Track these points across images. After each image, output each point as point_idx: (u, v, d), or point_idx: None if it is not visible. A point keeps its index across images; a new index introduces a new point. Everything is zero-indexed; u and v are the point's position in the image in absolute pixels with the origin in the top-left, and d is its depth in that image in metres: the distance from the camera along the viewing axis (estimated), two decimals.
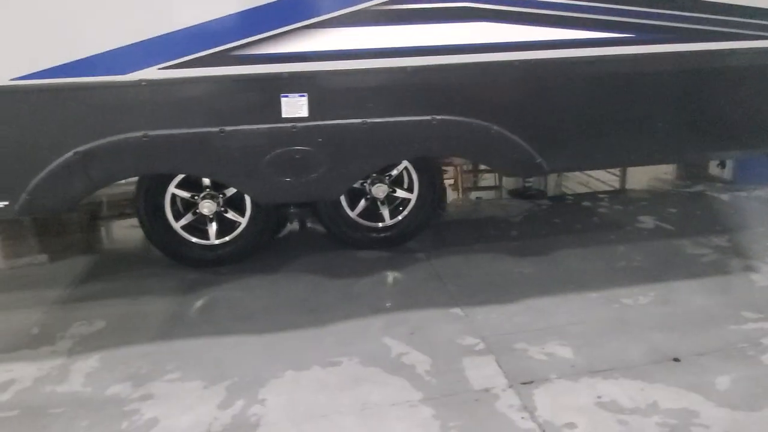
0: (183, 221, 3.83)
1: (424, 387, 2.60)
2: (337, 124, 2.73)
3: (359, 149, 2.79)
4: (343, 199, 3.98)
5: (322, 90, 2.71)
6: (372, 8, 2.55)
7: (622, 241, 4.14)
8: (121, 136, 2.61)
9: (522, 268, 3.78)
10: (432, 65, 2.67)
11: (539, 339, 2.93)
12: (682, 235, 4.21)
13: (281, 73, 2.61)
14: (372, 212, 4.11)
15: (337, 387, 2.62)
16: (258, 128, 2.68)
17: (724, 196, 5.05)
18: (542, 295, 3.40)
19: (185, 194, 3.74)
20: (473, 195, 6.35)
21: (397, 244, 4.17)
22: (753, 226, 4.33)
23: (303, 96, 2.66)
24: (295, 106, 2.66)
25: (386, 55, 2.63)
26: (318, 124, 2.72)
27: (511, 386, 2.57)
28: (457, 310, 3.26)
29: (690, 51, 2.75)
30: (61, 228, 4.76)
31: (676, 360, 2.71)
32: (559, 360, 2.75)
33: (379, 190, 3.99)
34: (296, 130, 2.70)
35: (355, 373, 2.72)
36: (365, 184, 3.99)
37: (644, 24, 2.68)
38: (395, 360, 2.82)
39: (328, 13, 2.52)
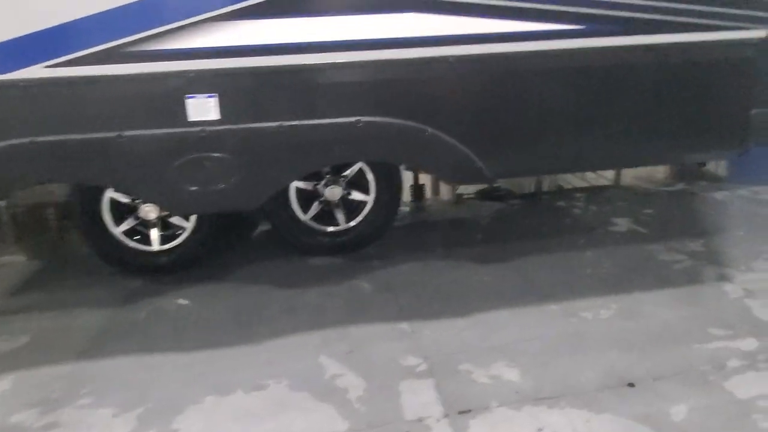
0: (123, 226, 3.60)
1: (353, 415, 2.38)
2: (251, 127, 2.47)
3: (277, 155, 2.53)
4: (294, 201, 3.76)
5: (234, 90, 2.45)
6: None
7: (592, 245, 3.91)
8: (5, 143, 2.36)
9: (482, 276, 3.55)
10: (356, 62, 2.41)
11: (487, 359, 2.71)
12: (656, 239, 3.97)
13: (185, 71, 2.35)
14: (328, 215, 3.89)
15: (259, 415, 2.41)
16: (161, 133, 2.42)
17: (706, 195, 4.81)
18: (498, 307, 3.18)
19: (125, 198, 3.51)
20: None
21: (355, 250, 3.95)
22: (732, 229, 4.09)
23: (212, 97, 2.40)
24: (203, 108, 2.41)
25: (303, 51, 2.37)
26: (230, 128, 2.46)
27: (446, 416, 2.35)
28: (404, 325, 3.03)
29: (646, 44, 2.48)
30: (17, 230, 4.55)
31: (631, 385, 2.48)
32: (503, 384, 2.52)
33: (333, 193, 3.76)
34: (206, 135, 2.45)
35: (281, 398, 2.50)
36: (318, 186, 3.77)
37: (595, 15, 2.41)
38: (328, 383, 2.60)
39: (237, 3, 2.26)
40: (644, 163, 3.76)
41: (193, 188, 2.51)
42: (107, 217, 3.54)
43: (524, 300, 3.24)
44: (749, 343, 2.75)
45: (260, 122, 2.46)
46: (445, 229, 4.33)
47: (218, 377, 2.66)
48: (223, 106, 2.42)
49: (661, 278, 3.42)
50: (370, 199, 3.84)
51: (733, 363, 2.60)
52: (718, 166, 5.42)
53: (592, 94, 2.60)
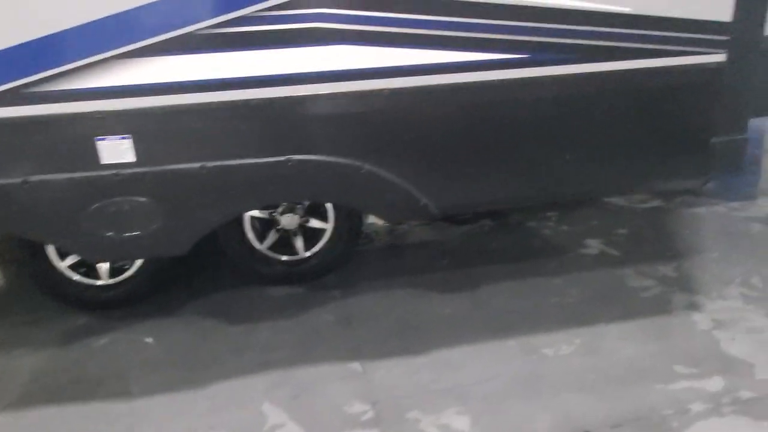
0: (69, 260, 3.43)
1: None
2: (171, 169, 2.31)
3: (200, 199, 2.37)
4: (249, 230, 3.60)
5: (150, 131, 2.29)
6: (203, 32, 2.13)
7: (560, 271, 3.76)
8: None
9: (443, 307, 3.40)
10: (283, 97, 2.25)
11: (438, 404, 2.56)
12: (627, 262, 3.83)
13: (94, 112, 2.20)
14: (286, 244, 3.74)
15: None
16: (71, 177, 2.26)
17: (682, 212, 4.67)
18: (457, 342, 3.03)
19: None
20: None
21: (315, 279, 3.79)
22: (705, 250, 3.95)
23: (126, 138, 2.24)
24: (116, 151, 2.25)
25: (225, 87, 2.21)
26: (148, 171, 2.30)
27: None
28: (356, 365, 2.88)
29: (597, 72, 2.34)
30: None
31: None
32: None
33: (290, 220, 3.61)
34: (121, 178, 2.29)
35: None
36: (275, 214, 3.62)
37: (540, 43, 2.27)
38: None
39: (148, 38, 2.10)
40: (602, 194, 3.60)
41: (110, 234, 2.35)
42: (50, 249, 3.38)
43: (485, 334, 3.09)
44: (715, 383, 2.61)
45: (180, 164, 2.30)
46: (411, 253, 4.17)
47: (155, 428, 2.51)
48: (138, 148, 2.27)
49: (629, 308, 3.28)
50: (329, 226, 3.68)
51: (697, 407, 2.47)
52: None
53: (539, 125, 2.45)
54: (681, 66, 2.36)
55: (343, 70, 2.21)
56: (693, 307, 3.26)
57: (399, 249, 4.25)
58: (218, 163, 2.30)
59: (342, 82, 2.23)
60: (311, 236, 3.74)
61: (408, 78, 2.25)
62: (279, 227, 3.66)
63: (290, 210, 3.58)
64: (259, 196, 2.46)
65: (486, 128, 2.46)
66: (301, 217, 3.63)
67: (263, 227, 3.67)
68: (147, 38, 2.08)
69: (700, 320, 3.12)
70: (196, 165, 2.29)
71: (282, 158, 2.33)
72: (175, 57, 2.15)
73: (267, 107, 2.24)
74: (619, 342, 2.96)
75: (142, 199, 2.29)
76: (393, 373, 2.81)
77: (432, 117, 2.37)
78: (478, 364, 2.84)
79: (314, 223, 3.69)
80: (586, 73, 2.31)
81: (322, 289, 3.70)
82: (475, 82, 2.29)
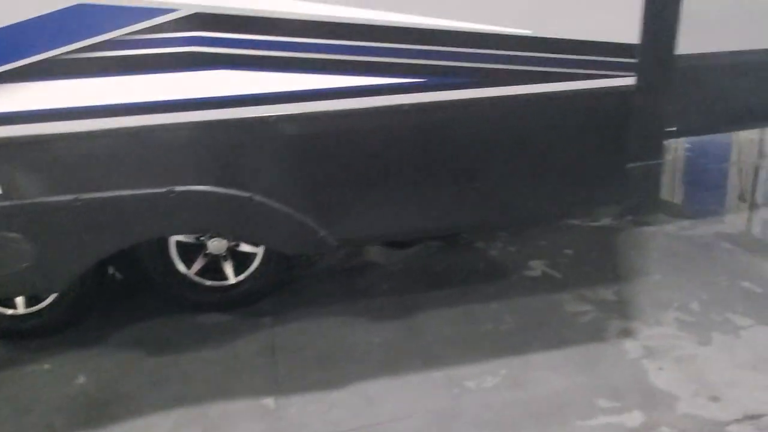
0: None
1: None
2: (42, 202, 2.18)
3: (75, 234, 2.25)
4: (176, 255, 3.48)
5: (15, 161, 2.14)
6: (68, 57, 1.99)
7: (500, 295, 3.67)
8: None
9: (374, 335, 3.30)
10: (161, 125, 2.11)
11: None
12: (568, 285, 3.75)
13: None
14: (217, 269, 3.61)
15: None
16: None
17: (631, 232, 4.60)
18: (380, 375, 2.93)
19: None
20: None
21: (248, 305, 3.67)
22: (649, 272, 3.88)
23: None
24: None
25: (96, 114, 2.08)
26: (15, 204, 2.16)
27: None
28: (269, 401, 2.76)
29: (499, 96, 2.23)
30: None
31: None
32: None
33: (218, 245, 3.49)
34: None
35: None
36: (202, 238, 3.50)
37: (435, 66, 2.17)
38: None
39: (8, 63, 1.96)
40: (514, 223, 3.48)
41: None
42: None
43: (412, 365, 2.99)
44: (634, 418, 2.52)
45: (52, 196, 2.17)
46: (352, 277, 4.06)
47: None
48: (4, 180, 2.14)
49: (562, 335, 3.19)
50: (259, 251, 3.57)
51: None
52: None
53: (439, 151, 2.34)
54: (589, 90, 2.28)
55: (223, 97, 2.10)
56: (626, 333, 3.17)
57: (340, 272, 4.14)
58: (94, 195, 2.16)
59: (223, 109, 2.11)
60: (242, 261, 3.62)
61: (295, 104, 2.13)
62: (207, 252, 3.54)
63: (218, 234, 3.47)
64: (141, 230, 2.33)
65: (381, 156, 2.36)
66: (231, 241, 3.52)
67: (191, 252, 3.55)
68: (7, 63, 1.96)
69: (632, 348, 3.04)
70: (69, 197, 2.16)
71: (163, 189, 2.21)
72: (38, 83, 2.01)
73: (144, 135, 2.12)
74: (546, 373, 2.87)
75: (12, 234, 2.16)
76: (307, 410, 2.69)
77: (324, 145, 2.26)
78: (398, 399, 2.73)
79: (244, 247, 3.58)
80: (489, 97, 2.22)
81: (253, 316, 3.58)
82: (367, 108, 2.19)
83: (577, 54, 2.24)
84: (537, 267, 4.04)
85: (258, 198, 2.23)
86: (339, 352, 3.15)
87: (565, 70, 2.25)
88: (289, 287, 3.82)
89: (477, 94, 2.22)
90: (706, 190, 5.59)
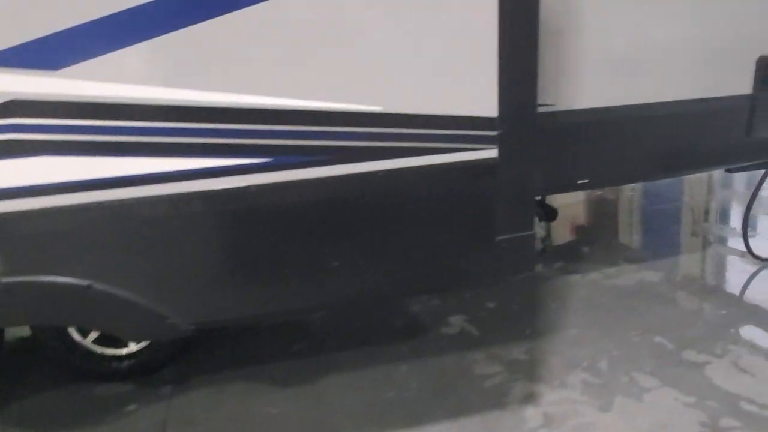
0: None
1: None
2: None
3: None
4: None
5: None
6: None
7: (410, 357, 3.57)
8: None
9: (273, 406, 3.17)
10: None
11: None
12: (483, 343, 3.66)
13: None
14: (115, 336, 3.46)
15: None
16: None
17: (557, 280, 4.55)
18: None
19: None
20: None
21: (150, 373, 3.52)
22: (567, 326, 3.82)
23: None
24: None
25: None
26: None
27: None
28: None
29: (351, 173, 2.16)
30: None
31: None
32: None
33: None
34: None
35: None
36: None
37: (279, 146, 2.11)
38: None
39: None
40: (384, 298, 3.36)
41: None
42: None
43: None
44: None
45: None
46: (263, 338, 3.92)
47: None
48: None
49: (464, 402, 3.09)
50: None
51: None
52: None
53: (295, 231, 2.27)
54: (450, 163, 2.22)
55: (50, 184, 2.01)
56: (529, 399, 3.08)
57: (251, 333, 4.00)
58: None
59: (50, 196, 2.00)
60: None
61: (129, 189, 2.04)
62: None
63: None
64: None
65: (228, 238, 2.27)
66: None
67: None
68: None
69: (532, 416, 2.95)
70: None
71: None
72: None
73: None
74: None
75: None
76: None
77: (166, 229, 2.17)
78: None
79: None
80: (342, 175, 2.16)
81: (153, 385, 3.43)
82: (211, 191, 2.11)
83: (433, 128, 2.19)
84: (456, 323, 3.96)
85: (97, 286, 2.13)
86: (232, 428, 3.01)
87: (422, 145, 2.20)
88: (195, 351, 3.68)
89: (328, 172, 2.15)
90: (658, 229, 5.64)
